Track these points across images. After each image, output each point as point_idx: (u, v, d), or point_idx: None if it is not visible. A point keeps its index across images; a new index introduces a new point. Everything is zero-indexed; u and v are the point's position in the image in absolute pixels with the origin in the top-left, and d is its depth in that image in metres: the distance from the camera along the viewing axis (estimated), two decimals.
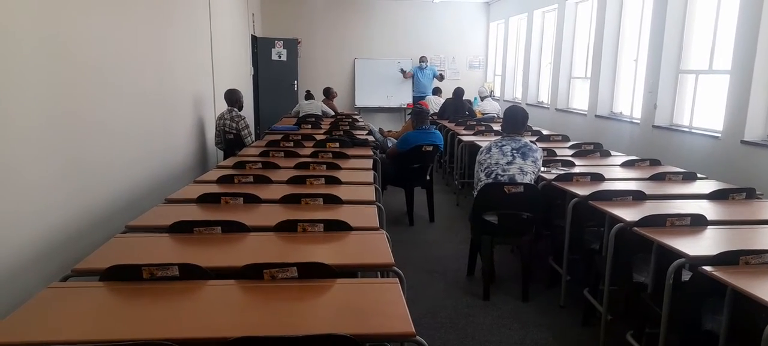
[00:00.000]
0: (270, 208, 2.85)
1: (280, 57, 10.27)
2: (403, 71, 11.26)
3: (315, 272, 1.93)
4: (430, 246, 4.77)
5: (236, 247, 2.29)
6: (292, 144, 4.99)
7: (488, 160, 3.66)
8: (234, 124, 5.48)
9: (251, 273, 1.92)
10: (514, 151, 3.62)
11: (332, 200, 2.90)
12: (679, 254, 2.29)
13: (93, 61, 3.28)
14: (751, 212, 3.04)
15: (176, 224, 2.40)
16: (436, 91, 9.33)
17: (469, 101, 8.74)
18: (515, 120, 3.76)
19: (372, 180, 3.54)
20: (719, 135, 4.88)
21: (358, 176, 3.63)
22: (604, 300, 2.97)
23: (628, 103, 6.77)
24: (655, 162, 4.39)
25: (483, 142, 5.00)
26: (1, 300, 2.35)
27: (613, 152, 4.92)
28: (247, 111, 7.42)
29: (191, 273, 1.91)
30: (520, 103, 9.42)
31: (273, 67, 10.21)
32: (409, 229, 5.26)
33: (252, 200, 2.93)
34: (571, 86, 8.35)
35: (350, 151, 4.56)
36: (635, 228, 2.61)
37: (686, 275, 2.59)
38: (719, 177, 4.04)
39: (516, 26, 10.64)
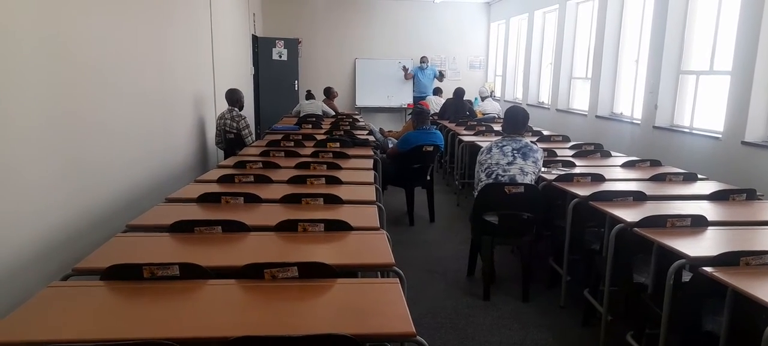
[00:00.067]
0: (270, 207, 2.85)
1: (280, 57, 10.27)
2: (405, 69, 11.26)
3: (315, 272, 1.93)
4: (431, 246, 4.77)
5: (237, 246, 2.29)
6: (292, 144, 4.99)
7: (489, 161, 3.66)
8: (235, 124, 5.48)
9: (252, 273, 1.92)
10: (515, 152, 3.62)
11: (333, 200, 2.90)
12: (679, 255, 2.28)
13: (93, 61, 3.28)
14: (752, 212, 3.04)
15: (177, 224, 2.40)
16: (437, 92, 9.34)
17: (469, 101, 8.75)
18: (516, 120, 3.76)
19: (372, 180, 3.54)
20: (720, 136, 4.88)
21: (358, 176, 3.63)
22: (605, 301, 2.97)
23: (629, 103, 6.77)
24: (655, 163, 4.38)
25: (483, 142, 5.00)
26: (2, 299, 2.36)
27: (613, 153, 4.92)
28: (248, 111, 7.42)
29: (192, 273, 1.91)
30: (520, 104, 9.42)
31: (274, 67, 10.21)
32: (409, 229, 5.26)
33: (252, 199, 2.93)
34: (571, 87, 8.35)
35: (351, 151, 4.56)
36: (636, 229, 2.61)
37: (686, 276, 2.59)
38: (720, 178, 4.03)
39: (517, 26, 10.64)
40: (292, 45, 10.40)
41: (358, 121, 7.25)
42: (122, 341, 1.45)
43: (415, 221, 5.39)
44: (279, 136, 5.33)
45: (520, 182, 3.55)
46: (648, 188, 3.47)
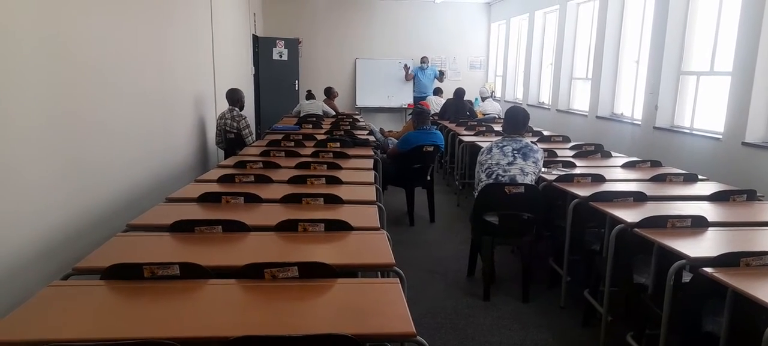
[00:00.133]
0: (271, 207, 2.85)
1: (281, 57, 10.27)
2: (406, 67, 11.26)
3: (316, 272, 1.93)
4: (431, 246, 4.77)
5: (237, 246, 2.29)
6: (293, 144, 4.99)
7: (489, 161, 3.66)
8: (235, 124, 5.48)
9: (252, 272, 1.92)
10: (515, 152, 3.62)
11: (333, 200, 2.90)
12: (679, 256, 2.28)
13: (93, 61, 3.28)
14: (752, 213, 3.04)
15: (177, 223, 2.40)
16: (437, 92, 9.33)
17: (470, 102, 8.74)
18: (516, 121, 3.76)
19: (373, 180, 3.54)
20: (720, 136, 4.88)
21: (358, 176, 3.63)
22: (605, 301, 2.97)
23: (629, 104, 6.77)
24: (656, 163, 4.38)
25: (484, 142, 5.00)
26: (2, 299, 2.36)
27: (613, 153, 4.92)
28: (248, 110, 7.42)
29: (192, 272, 1.91)
30: (521, 104, 9.42)
31: (274, 67, 10.21)
32: (409, 229, 5.26)
33: (253, 199, 2.93)
34: (572, 87, 8.35)
35: (351, 151, 4.56)
36: (636, 229, 2.61)
37: (687, 277, 2.60)
38: (720, 179, 4.03)
39: (517, 27, 10.64)
40: (293, 45, 10.40)
41: (359, 121, 7.25)
42: (122, 341, 1.45)
43: (415, 221, 5.39)
44: (279, 136, 5.33)
45: (520, 182, 3.55)
46: (648, 189, 3.46)
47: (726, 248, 2.22)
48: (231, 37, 7.51)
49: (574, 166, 4.21)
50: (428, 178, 5.41)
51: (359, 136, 5.56)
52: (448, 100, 8.34)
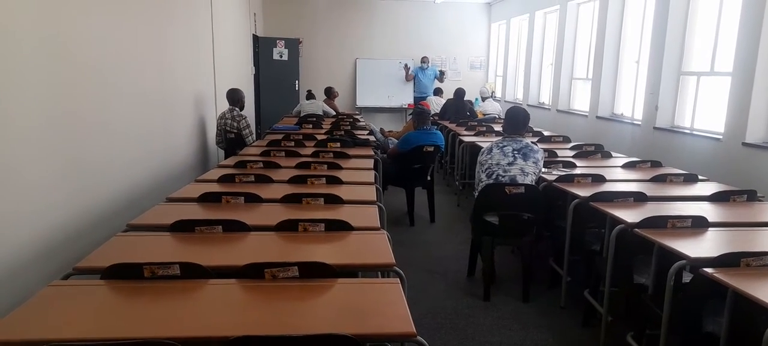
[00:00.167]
0: (271, 207, 2.85)
1: (281, 56, 10.27)
2: (406, 67, 11.26)
3: (316, 272, 1.93)
4: (431, 246, 4.77)
5: (237, 246, 2.29)
6: (293, 144, 4.99)
7: (489, 161, 3.66)
8: (235, 124, 5.48)
9: (252, 272, 1.92)
10: (516, 152, 3.62)
11: (333, 200, 2.90)
12: (680, 256, 2.28)
13: (93, 61, 3.28)
14: (753, 213, 3.04)
15: (177, 223, 2.40)
16: (438, 92, 9.33)
17: (470, 102, 8.74)
18: (516, 121, 3.76)
19: (373, 180, 3.54)
20: (720, 137, 4.88)
21: (359, 176, 3.63)
22: (605, 301, 2.97)
23: (630, 104, 6.77)
24: (656, 164, 4.38)
25: (484, 142, 5.00)
26: (2, 299, 2.36)
27: (614, 154, 4.92)
28: (249, 110, 7.42)
29: (192, 272, 1.91)
30: (521, 104, 9.42)
31: (274, 67, 10.21)
32: (409, 229, 5.26)
33: (253, 199, 2.93)
34: (572, 87, 8.34)
35: (351, 151, 4.56)
36: (636, 229, 2.61)
37: (687, 277, 2.60)
38: (720, 179, 4.03)
39: (517, 27, 10.64)
40: (293, 45, 10.40)
41: (359, 121, 7.25)
42: (123, 341, 1.45)
43: (415, 221, 5.39)
44: (279, 136, 5.33)
45: (520, 182, 3.55)
46: (648, 189, 3.46)
47: (726, 249, 2.22)
48: (231, 37, 7.51)
49: (574, 166, 4.21)
50: (428, 178, 5.40)
51: (359, 137, 5.56)
52: (448, 100, 8.34)
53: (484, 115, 8.35)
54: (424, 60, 10.98)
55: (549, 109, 8.92)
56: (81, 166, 3.11)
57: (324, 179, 3.43)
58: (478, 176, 3.75)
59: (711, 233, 2.62)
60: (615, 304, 2.97)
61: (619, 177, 3.92)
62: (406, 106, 11.29)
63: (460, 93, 8.20)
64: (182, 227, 2.40)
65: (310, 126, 6.65)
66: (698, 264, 2.17)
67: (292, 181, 3.39)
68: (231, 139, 5.50)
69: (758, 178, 4.33)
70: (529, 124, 4.72)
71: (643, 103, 6.12)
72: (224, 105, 5.74)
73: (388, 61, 11.47)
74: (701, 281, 2.12)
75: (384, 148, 5.60)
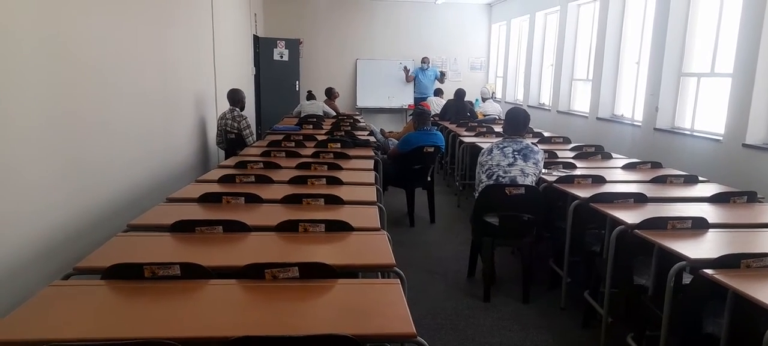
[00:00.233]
0: (271, 208, 2.85)
1: (282, 57, 10.27)
2: (406, 69, 11.26)
3: (316, 272, 1.93)
4: (431, 247, 4.77)
5: (238, 246, 2.29)
6: (293, 144, 4.99)
7: (489, 162, 3.66)
8: (236, 124, 5.48)
9: (252, 273, 1.92)
10: (516, 153, 3.62)
11: (333, 201, 2.90)
12: (680, 257, 2.28)
13: (93, 61, 3.28)
14: (753, 215, 3.04)
15: (178, 223, 2.40)
16: (438, 93, 9.34)
17: (470, 102, 8.74)
18: (517, 122, 3.76)
19: (373, 181, 3.54)
20: (721, 138, 4.88)
21: (359, 177, 3.63)
22: (605, 303, 2.97)
23: (630, 105, 6.77)
24: (656, 165, 4.38)
25: (484, 143, 5.00)
26: (3, 299, 2.36)
27: (614, 155, 4.92)
28: (249, 111, 7.43)
29: (193, 272, 1.91)
30: (521, 105, 9.42)
31: (275, 67, 10.21)
32: (409, 230, 5.26)
33: (253, 199, 2.93)
34: (572, 88, 8.34)
35: (351, 152, 4.56)
36: (636, 231, 2.61)
37: (687, 278, 2.60)
38: (721, 180, 4.03)
39: (518, 28, 10.64)
40: (294, 45, 10.40)
41: (359, 122, 7.25)
42: (123, 341, 1.45)
43: (415, 222, 5.39)
44: (280, 137, 5.33)
45: (520, 183, 3.55)
46: (649, 190, 3.46)
47: (726, 250, 2.22)
48: (232, 37, 7.51)
49: (574, 167, 4.21)
50: (429, 179, 5.41)
51: (360, 137, 5.56)
52: (448, 100, 8.34)
53: (485, 115, 8.35)
54: (424, 61, 10.98)
55: (549, 110, 8.92)
56: (81, 166, 3.12)
57: (324, 179, 3.43)
58: (479, 177, 3.75)
59: (711, 234, 2.62)
60: (615, 305, 2.97)
61: (619, 178, 3.92)
62: (407, 107, 11.30)
63: (460, 94, 8.20)
64: (183, 228, 2.40)
65: (311, 127, 6.65)
66: (698, 265, 2.17)
67: (293, 181, 3.39)
68: (231, 140, 5.50)
69: (758, 179, 4.33)
70: (530, 125, 4.72)
71: (644, 105, 6.12)
72: (225, 105, 5.74)
73: (388, 62, 11.47)
74: (701, 282, 2.12)
75: (384, 149, 5.60)
